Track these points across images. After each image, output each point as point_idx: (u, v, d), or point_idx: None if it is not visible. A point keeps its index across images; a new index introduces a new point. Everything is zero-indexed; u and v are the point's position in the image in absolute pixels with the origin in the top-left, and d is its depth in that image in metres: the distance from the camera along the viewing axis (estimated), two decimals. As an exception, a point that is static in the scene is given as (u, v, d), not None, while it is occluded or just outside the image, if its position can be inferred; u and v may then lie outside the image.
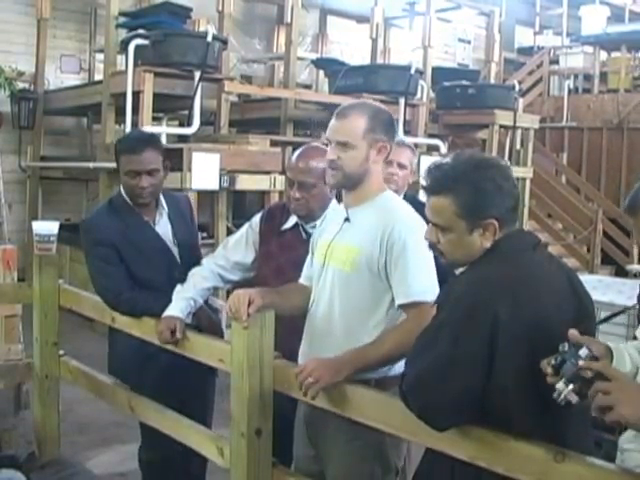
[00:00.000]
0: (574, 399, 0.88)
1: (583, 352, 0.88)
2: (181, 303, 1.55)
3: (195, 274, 1.58)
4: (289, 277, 1.47)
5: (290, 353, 1.35)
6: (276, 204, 1.67)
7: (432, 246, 1.09)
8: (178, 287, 1.57)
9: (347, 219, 1.31)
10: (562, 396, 0.88)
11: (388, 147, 1.28)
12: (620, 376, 0.85)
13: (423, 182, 1.07)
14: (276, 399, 1.33)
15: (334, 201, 1.51)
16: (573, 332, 0.92)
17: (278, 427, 1.35)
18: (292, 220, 1.56)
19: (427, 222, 1.13)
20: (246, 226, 1.63)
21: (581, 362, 0.87)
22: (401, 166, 1.82)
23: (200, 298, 1.59)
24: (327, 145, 1.30)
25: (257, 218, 1.62)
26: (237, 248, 1.60)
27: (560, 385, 0.88)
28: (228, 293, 1.42)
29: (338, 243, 1.31)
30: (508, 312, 0.96)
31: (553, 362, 0.91)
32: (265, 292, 1.31)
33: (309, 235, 1.52)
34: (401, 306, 1.24)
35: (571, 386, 0.87)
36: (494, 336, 0.96)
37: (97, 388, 1.83)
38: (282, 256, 1.55)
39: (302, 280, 1.41)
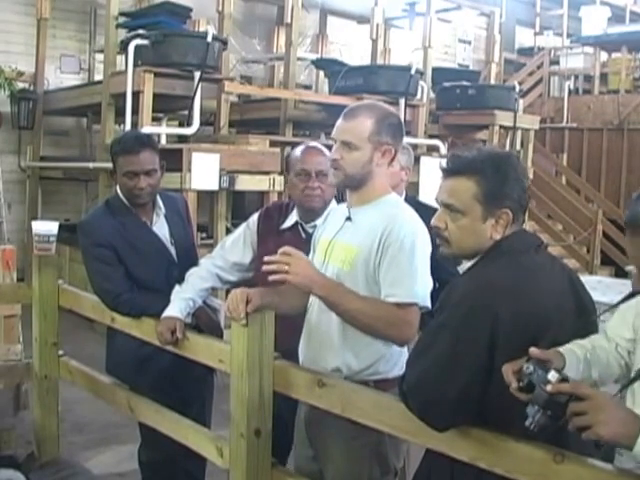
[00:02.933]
0: (548, 425, 0.85)
1: (552, 376, 0.84)
2: (180, 303, 1.54)
3: (193, 274, 1.58)
4: None
5: (289, 351, 1.35)
6: (274, 204, 1.68)
7: (437, 234, 1.07)
8: (176, 288, 1.57)
9: (349, 218, 1.31)
10: (535, 422, 0.85)
11: (393, 151, 1.27)
12: (594, 394, 0.82)
13: (442, 165, 1.06)
14: (278, 400, 1.33)
15: (333, 201, 1.51)
16: (534, 350, 0.88)
17: (280, 427, 1.35)
18: (292, 220, 1.56)
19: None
20: (243, 226, 1.63)
21: (550, 387, 0.83)
22: None
23: (199, 298, 1.58)
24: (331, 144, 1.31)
25: (254, 218, 1.61)
26: (235, 248, 1.60)
27: (531, 411, 0.85)
28: (227, 292, 1.42)
29: (338, 242, 1.31)
30: (509, 314, 0.95)
31: (520, 384, 0.88)
32: (264, 292, 1.31)
33: (308, 235, 1.52)
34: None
35: (542, 412, 0.83)
36: (494, 337, 0.95)
37: (96, 388, 1.83)
38: None
39: None
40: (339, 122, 1.28)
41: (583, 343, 0.97)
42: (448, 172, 1.05)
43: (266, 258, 1.21)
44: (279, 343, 1.33)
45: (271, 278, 1.20)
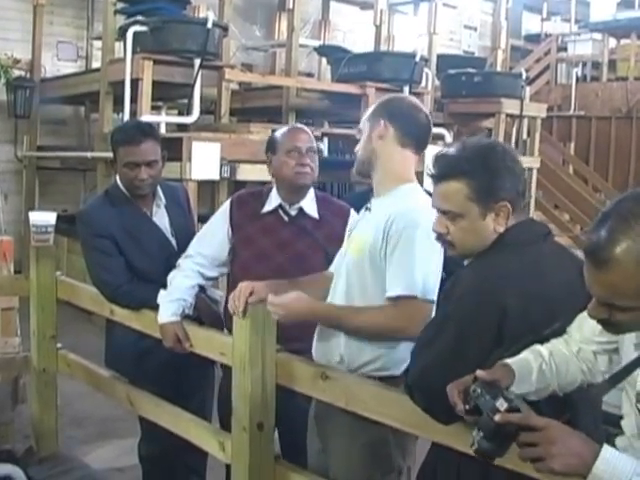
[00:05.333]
0: (492, 452, 0.79)
1: (500, 404, 0.78)
2: (171, 306, 1.51)
3: (176, 277, 1.54)
4: (275, 261, 1.47)
5: (290, 339, 1.32)
6: (244, 192, 1.65)
7: (440, 238, 1.05)
8: (162, 292, 1.53)
9: (368, 209, 1.32)
10: (479, 448, 0.79)
11: (388, 127, 1.28)
12: (546, 425, 0.75)
13: (430, 171, 1.04)
14: (288, 394, 1.31)
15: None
16: (480, 372, 0.84)
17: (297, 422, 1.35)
18: (274, 203, 1.54)
19: None
20: (215, 218, 1.60)
21: (498, 417, 0.77)
22: None
23: (189, 297, 1.54)
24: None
25: (224, 209, 1.59)
26: (210, 242, 1.57)
27: (476, 435, 0.80)
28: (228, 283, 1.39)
29: (357, 232, 1.31)
30: (516, 305, 0.92)
31: (467, 407, 0.83)
32: (276, 285, 1.30)
33: (291, 217, 1.53)
34: (390, 299, 1.21)
35: (487, 440, 0.78)
36: (501, 331, 0.92)
37: (95, 382, 1.80)
38: (264, 239, 1.52)
39: (331, 268, 1.40)
40: None
41: (540, 351, 0.93)
42: (436, 178, 1.03)
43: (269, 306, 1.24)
44: (291, 340, 1.30)
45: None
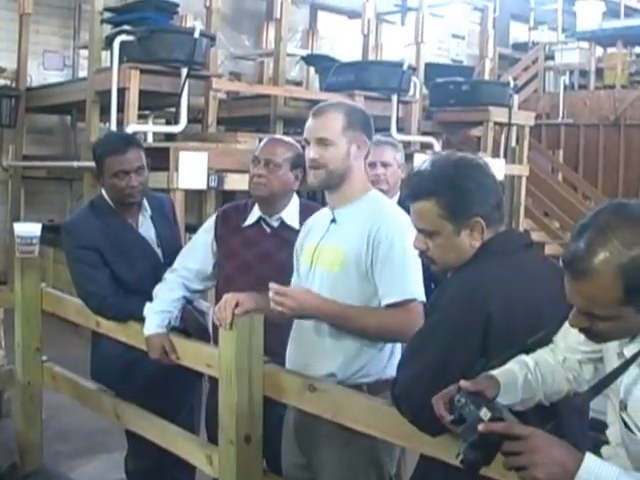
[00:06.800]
0: (478, 462, 0.80)
1: (484, 414, 0.79)
2: (157, 318, 1.50)
3: (161, 289, 1.54)
4: (257, 272, 1.47)
5: (273, 355, 1.31)
6: (228, 206, 1.65)
7: (422, 254, 1.06)
8: (147, 304, 1.53)
9: (333, 220, 1.29)
10: (465, 459, 0.80)
11: (368, 143, 1.28)
12: (529, 434, 0.76)
13: (405, 190, 1.05)
14: (269, 404, 1.30)
15: (324, 209, 1.45)
16: (464, 382, 0.84)
17: (274, 433, 1.33)
18: (254, 216, 1.54)
19: None
20: (200, 232, 1.60)
21: (481, 427, 0.77)
22: (385, 165, 1.83)
23: (174, 309, 1.54)
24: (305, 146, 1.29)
25: (210, 224, 1.59)
26: (195, 256, 1.57)
27: (462, 445, 0.80)
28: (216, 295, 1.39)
29: (325, 245, 1.29)
30: (500, 311, 0.93)
31: (451, 418, 0.84)
32: (260, 297, 1.29)
33: (273, 229, 1.53)
34: (389, 306, 1.21)
35: (472, 450, 0.79)
36: (487, 339, 0.93)
37: (81, 395, 1.78)
38: (247, 252, 1.53)
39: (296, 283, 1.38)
40: (309, 122, 1.28)
41: (526, 361, 0.93)
42: (409, 197, 1.04)
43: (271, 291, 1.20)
44: (268, 350, 1.29)
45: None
